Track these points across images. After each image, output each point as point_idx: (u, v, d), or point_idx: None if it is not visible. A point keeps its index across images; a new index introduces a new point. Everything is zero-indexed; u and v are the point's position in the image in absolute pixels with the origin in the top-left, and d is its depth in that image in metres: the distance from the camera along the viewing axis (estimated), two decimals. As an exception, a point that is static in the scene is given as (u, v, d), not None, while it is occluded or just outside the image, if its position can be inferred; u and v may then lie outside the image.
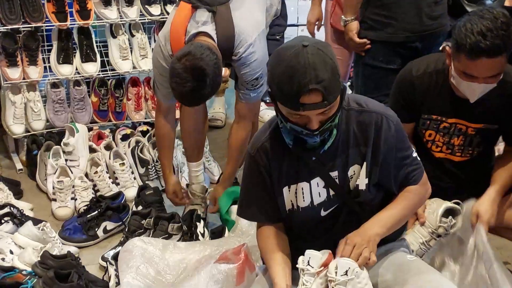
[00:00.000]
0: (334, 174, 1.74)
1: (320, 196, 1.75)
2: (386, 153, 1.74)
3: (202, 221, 2.76)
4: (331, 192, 1.75)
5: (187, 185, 2.93)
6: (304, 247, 1.74)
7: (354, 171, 1.74)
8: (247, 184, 1.84)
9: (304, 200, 1.76)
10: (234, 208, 2.63)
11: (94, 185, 3.09)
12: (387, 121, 1.73)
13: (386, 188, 1.80)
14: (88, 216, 2.81)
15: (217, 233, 2.70)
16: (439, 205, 2.22)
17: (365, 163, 1.73)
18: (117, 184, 3.13)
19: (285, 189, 1.76)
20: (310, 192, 1.75)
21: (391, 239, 1.85)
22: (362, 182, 1.74)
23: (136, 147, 3.25)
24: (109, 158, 3.20)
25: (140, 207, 2.86)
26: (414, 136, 2.31)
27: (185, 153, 2.92)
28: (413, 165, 1.81)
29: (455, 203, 2.25)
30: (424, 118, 2.26)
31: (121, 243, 2.63)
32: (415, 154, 1.82)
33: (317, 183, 1.73)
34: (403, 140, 1.79)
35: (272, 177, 1.76)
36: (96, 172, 3.10)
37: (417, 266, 1.78)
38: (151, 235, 2.62)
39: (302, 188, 1.75)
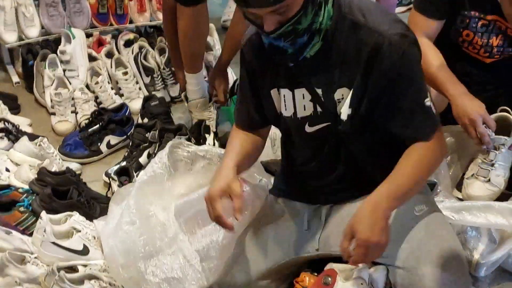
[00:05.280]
0: (319, 92, 1.71)
1: (305, 110, 1.75)
2: (381, 87, 1.63)
3: (212, 134, 2.86)
4: (319, 109, 1.73)
5: (186, 96, 3.01)
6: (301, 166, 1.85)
7: (342, 95, 1.68)
8: (240, 80, 1.88)
9: (286, 109, 1.78)
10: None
11: (96, 97, 3.17)
12: (391, 48, 1.58)
13: (383, 130, 1.73)
14: (89, 130, 2.91)
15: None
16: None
17: (352, 90, 1.66)
18: (121, 95, 3.23)
19: (274, 92, 1.79)
20: (293, 102, 1.75)
21: None
22: (344, 111, 1.69)
23: (140, 54, 3.32)
24: (111, 67, 3.28)
25: (145, 120, 2.96)
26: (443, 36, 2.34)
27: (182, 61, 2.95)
28: (423, 114, 1.68)
29: (502, 110, 2.31)
30: (464, 14, 2.28)
31: (125, 158, 2.79)
32: (429, 103, 1.68)
33: (303, 95, 1.72)
34: (413, 78, 1.66)
35: (257, 76, 1.79)
36: (97, 83, 3.18)
37: (423, 221, 1.78)
38: (156, 149, 2.73)
39: (284, 96, 1.76)
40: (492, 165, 2.27)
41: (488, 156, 2.27)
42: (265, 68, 1.74)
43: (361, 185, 1.78)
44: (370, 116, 1.68)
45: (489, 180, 2.25)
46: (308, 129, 1.77)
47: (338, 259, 1.81)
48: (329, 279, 1.71)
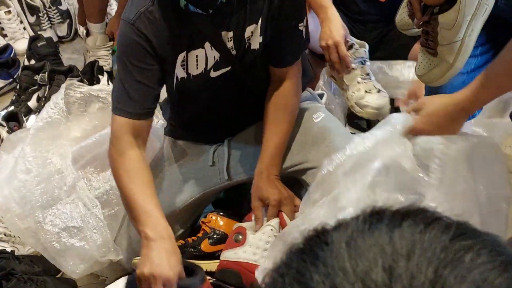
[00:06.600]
0: (229, 35, 1.72)
1: (214, 59, 1.75)
2: (281, 13, 1.73)
3: (105, 74, 2.79)
4: (223, 54, 1.75)
5: (87, 34, 2.98)
6: (195, 124, 1.89)
7: (251, 32, 1.73)
8: (123, 63, 1.70)
9: (197, 68, 1.75)
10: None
11: (-24, 37, 3.08)
12: None
13: (273, 55, 1.82)
14: (-28, 73, 2.83)
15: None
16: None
17: (260, 19, 1.71)
18: (4, 36, 3.15)
19: (180, 56, 1.72)
20: (205, 58, 1.74)
21: None
22: (256, 41, 1.74)
23: (23, -9, 3.19)
24: (-8, 5, 3.18)
25: (32, 61, 2.90)
26: None
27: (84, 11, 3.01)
28: (299, 36, 1.79)
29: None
30: None
31: (13, 102, 2.72)
32: (302, 28, 1.79)
33: (210, 47, 1.72)
34: (302, 4, 1.80)
35: (156, 50, 1.68)
36: (-24, 23, 3.08)
37: (323, 125, 1.88)
38: (46, 92, 2.68)
39: (197, 56, 1.73)
40: (370, 78, 2.20)
41: (363, 70, 2.19)
42: (171, 38, 1.67)
43: (259, 111, 1.85)
44: (273, 44, 1.77)
45: (379, 90, 2.18)
46: (213, 74, 1.78)
47: (247, 188, 1.88)
48: (240, 236, 1.75)
